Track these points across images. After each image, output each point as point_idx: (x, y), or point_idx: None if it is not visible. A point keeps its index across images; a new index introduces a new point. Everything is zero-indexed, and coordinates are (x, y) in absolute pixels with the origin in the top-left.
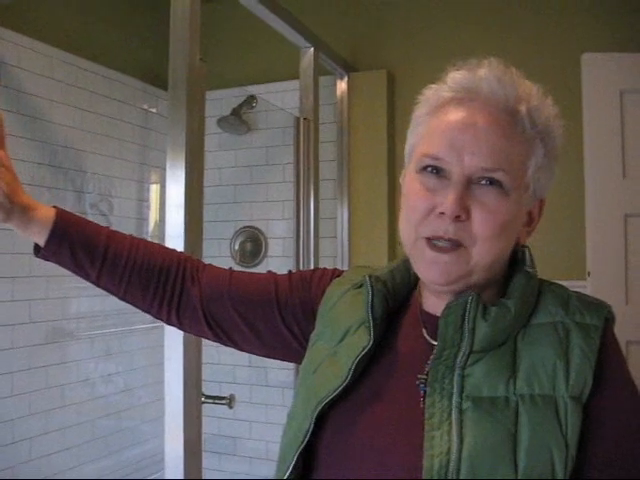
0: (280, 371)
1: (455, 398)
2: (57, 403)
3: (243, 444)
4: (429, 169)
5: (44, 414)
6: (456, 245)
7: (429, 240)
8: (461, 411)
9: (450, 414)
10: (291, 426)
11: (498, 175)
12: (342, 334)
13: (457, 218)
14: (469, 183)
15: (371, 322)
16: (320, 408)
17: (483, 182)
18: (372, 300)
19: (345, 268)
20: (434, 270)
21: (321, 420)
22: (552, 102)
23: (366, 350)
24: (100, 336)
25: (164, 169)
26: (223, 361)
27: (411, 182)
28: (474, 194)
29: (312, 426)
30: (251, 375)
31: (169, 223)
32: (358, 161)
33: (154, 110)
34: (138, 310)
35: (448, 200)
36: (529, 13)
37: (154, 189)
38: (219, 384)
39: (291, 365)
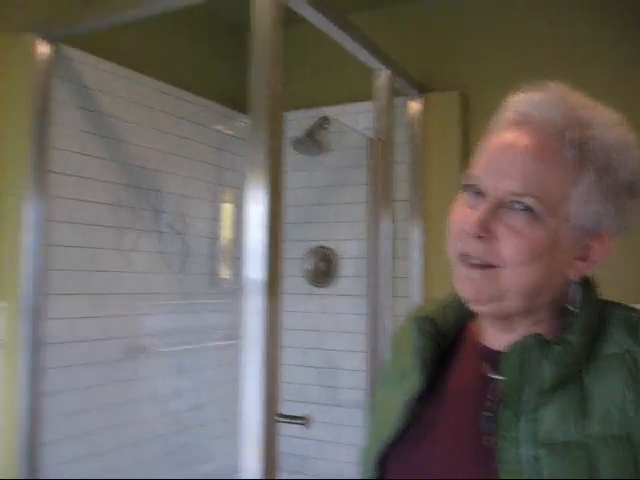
0: (351, 391)
1: (528, 445)
2: (131, 417)
3: (314, 464)
4: (470, 188)
5: (119, 428)
6: (487, 265)
7: (463, 256)
8: (536, 458)
9: (524, 462)
10: (364, 469)
11: (527, 200)
12: (399, 377)
13: (480, 238)
14: (500, 206)
15: (419, 366)
16: (378, 455)
17: (515, 206)
18: (420, 344)
19: (418, 289)
20: (466, 286)
21: (385, 461)
22: (627, 131)
23: (416, 394)
24: (173, 352)
25: (238, 189)
26: (294, 380)
27: (458, 199)
28: (503, 217)
29: (375, 472)
30: (321, 394)
31: (249, 242)
32: (431, 182)
33: (229, 132)
34: (210, 327)
35: (471, 219)
36: (611, 38)
37: (227, 208)
38: (289, 403)
39: (362, 384)
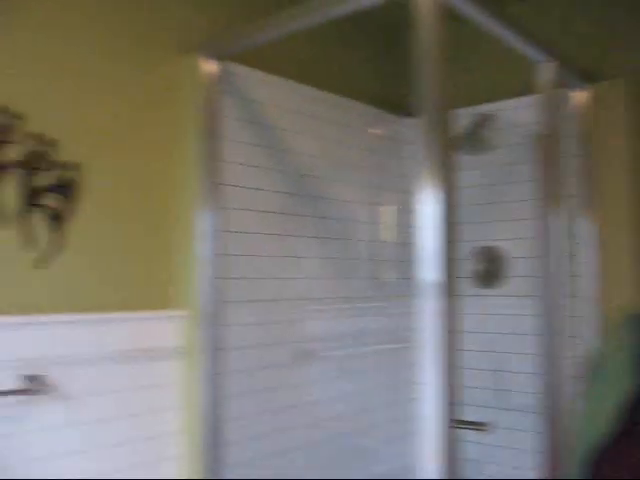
0: (523, 395)
1: None
2: (303, 420)
3: (487, 468)
4: None
5: (292, 430)
6: None
7: None
8: None
9: None
10: (575, 468)
11: None
12: (613, 376)
13: None
14: None
15: (635, 368)
16: (590, 455)
17: None
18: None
19: (590, 288)
20: None
21: (597, 461)
22: None
23: (632, 397)
24: (339, 356)
25: (397, 191)
26: (465, 383)
27: None
28: None
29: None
30: (492, 398)
31: (423, 244)
32: (601, 176)
33: (385, 134)
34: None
35: None
36: None
37: (387, 211)
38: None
39: (534, 388)
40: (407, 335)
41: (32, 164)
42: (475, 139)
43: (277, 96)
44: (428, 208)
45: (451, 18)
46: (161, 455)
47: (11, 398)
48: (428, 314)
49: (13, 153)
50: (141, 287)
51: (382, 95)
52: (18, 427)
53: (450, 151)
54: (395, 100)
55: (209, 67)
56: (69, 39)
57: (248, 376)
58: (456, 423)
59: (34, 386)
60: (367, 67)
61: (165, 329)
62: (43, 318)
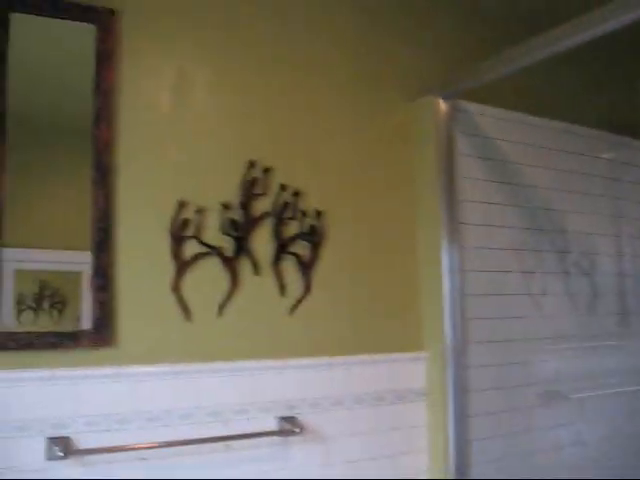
0: None
1: None
2: (554, 464)
3: None
4: None
5: (545, 474)
6: None
7: None
8: None
9: None
10: None
11: None
12: None
13: None
14: None
15: None
16: None
17: None
18: None
19: None
20: None
21: None
22: None
23: None
24: (587, 398)
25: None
26: None
27: None
28: None
29: None
30: None
31: None
32: None
33: (619, 159)
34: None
35: None
36: None
37: (631, 241)
38: None
39: None
40: None
41: (282, 214)
42: None
43: (507, 129)
44: None
45: None
46: None
47: (269, 439)
48: None
49: (265, 205)
50: (386, 329)
51: (613, 118)
52: (274, 467)
53: None
54: (627, 122)
55: (441, 107)
56: (308, 96)
57: (494, 419)
58: None
59: (289, 427)
60: (594, 89)
61: (410, 370)
62: (296, 362)
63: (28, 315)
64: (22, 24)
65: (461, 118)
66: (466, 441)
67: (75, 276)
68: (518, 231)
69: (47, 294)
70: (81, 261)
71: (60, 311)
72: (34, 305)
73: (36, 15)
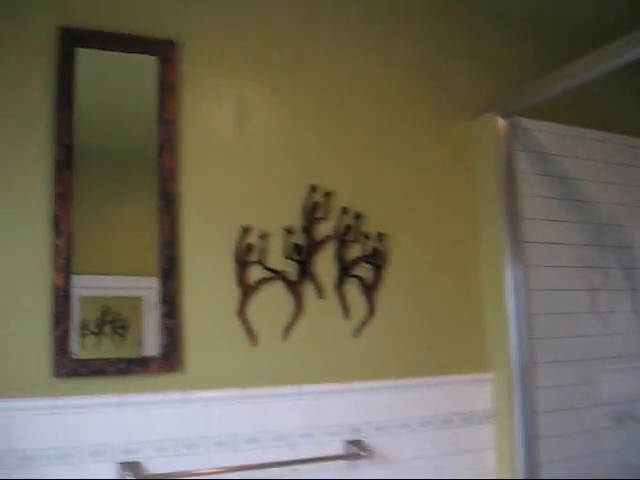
0: None
1: None
2: None
3: None
4: None
5: None
6: None
7: None
8: None
9: None
10: None
11: None
12: None
13: None
14: None
15: None
16: None
17: None
18: None
19: None
20: None
21: None
22: None
23: None
24: None
25: None
26: None
27: None
28: None
29: None
30: None
31: None
32: None
33: None
34: None
35: None
36: None
37: None
38: None
39: None
40: None
41: (344, 237)
42: None
43: (567, 145)
44: None
45: None
46: None
47: (336, 462)
48: None
49: (327, 228)
50: (450, 350)
51: None
52: None
53: None
54: None
55: (500, 124)
56: (367, 119)
57: (563, 441)
58: None
59: (355, 451)
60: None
61: (476, 392)
62: (361, 385)
63: (90, 340)
64: (87, 58)
65: (521, 135)
66: (535, 464)
67: (136, 301)
68: (582, 248)
69: (108, 319)
70: (142, 286)
71: (121, 336)
72: (96, 330)
73: (100, 49)
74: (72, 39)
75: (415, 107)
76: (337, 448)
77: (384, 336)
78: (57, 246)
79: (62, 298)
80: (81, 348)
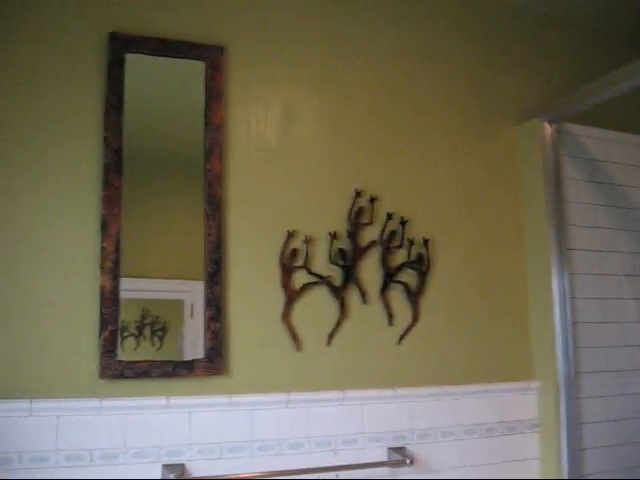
0: None
1: None
2: None
3: None
4: None
5: None
6: None
7: None
8: None
9: None
10: None
11: None
12: None
13: None
14: None
15: None
16: None
17: None
18: None
19: None
20: None
21: None
22: None
23: None
24: None
25: None
26: None
27: None
28: None
29: None
30: None
31: None
32: None
33: None
34: None
35: None
36: None
37: None
38: None
39: None
40: None
41: (389, 243)
42: None
43: (614, 151)
44: None
45: None
46: None
47: (377, 470)
48: None
49: (372, 234)
50: (495, 358)
51: None
52: None
53: None
54: None
55: (546, 130)
56: (412, 124)
57: (609, 452)
58: None
59: (399, 458)
60: None
61: (521, 401)
62: (404, 391)
63: (130, 342)
64: (136, 64)
65: (567, 141)
66: (581, 475)
67: (176, 304)
68: (629, 256)
69: (148, 322)
70: (183, 290)
71: (160, 338)
72: (136, 332)
73: (149, 55)
74: (122, 45)
75: (460, 112)
76: (380, 455)
77: (428, 343)
78: (105, 249)
79: (109, 300)
80: (121, 350)
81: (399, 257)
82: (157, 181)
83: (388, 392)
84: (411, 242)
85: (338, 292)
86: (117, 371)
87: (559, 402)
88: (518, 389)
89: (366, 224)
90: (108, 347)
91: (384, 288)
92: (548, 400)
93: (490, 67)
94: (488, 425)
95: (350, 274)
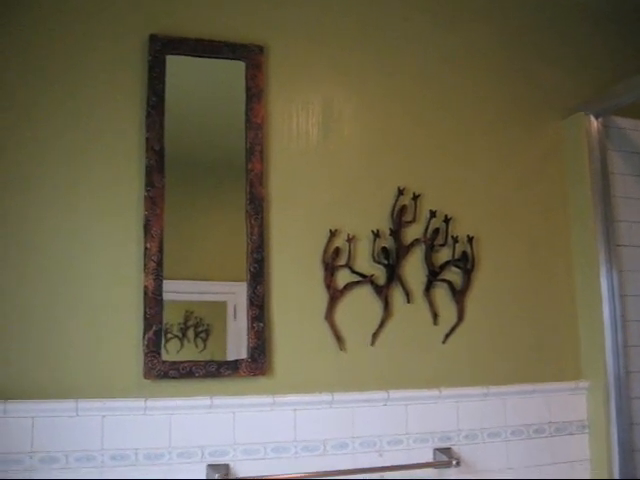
0: None
1: None
2: None
3: None
4: None
5: None
6: None
7: None
8: None
9: None
10: None
11: None
12: None
13: None
14: None
15: None
16: None
17: None
18: None
19: None
20: None
21: None
22: None
23: None
24: None
25: None
26: None
27: None
28: None
29: None
30: None
31: None
32: None
33: None
34: None
35: None
36: None
37: None
38: None
39: None
40: None
41: (432, 241)
42: None
43: None
44: None
45: None
46: None
47: (423, 471)
48: None
49: (415, 232)
50: (542, 357)
51: None
52: None
53: None
54: None
55: (593, 124)
56: (455, 120)
57: None
58: None
59: (445, 459)
60: None
61: (570, 401)
62: (450, 391)
63: (174, 344)
64: (177, 65)
65: (614, 135)
66: (632, 477)
67: (220, 306)
68: None
69: (191, 324)
70: (226, 291)
71: (204, 340)
72: (180, 334)
73: (189, 56)
74: (162, 46)
75: (504, 108)
76: (426, 455)
77: (474, 342)
78: (148, 250)
79: (153, 301)
80: (165, 351)
81: (443, 255)
82: (199, 181)
83: (433, 392)
84: (455, 240)
85: (381, 291)
86: (161, 371)
87: (609, 402)
88: (566, 389)
89: (409, 222)
90: (152, 347)
91: (428, 287)
92: (597, 400)
93: (534, 61)
94: (536, 426)
95: (393, 273)
